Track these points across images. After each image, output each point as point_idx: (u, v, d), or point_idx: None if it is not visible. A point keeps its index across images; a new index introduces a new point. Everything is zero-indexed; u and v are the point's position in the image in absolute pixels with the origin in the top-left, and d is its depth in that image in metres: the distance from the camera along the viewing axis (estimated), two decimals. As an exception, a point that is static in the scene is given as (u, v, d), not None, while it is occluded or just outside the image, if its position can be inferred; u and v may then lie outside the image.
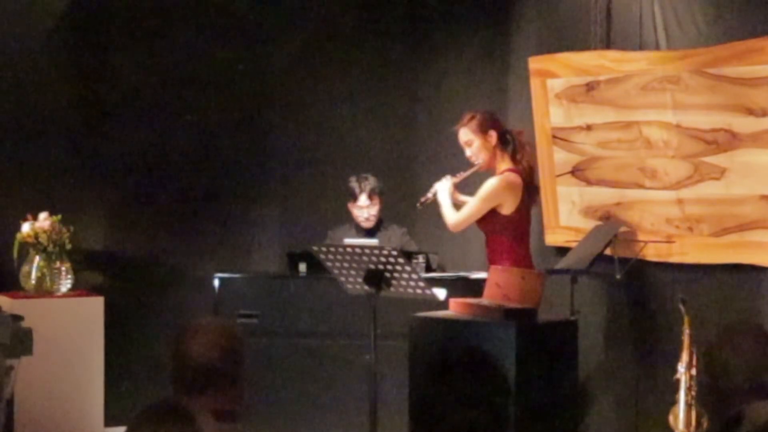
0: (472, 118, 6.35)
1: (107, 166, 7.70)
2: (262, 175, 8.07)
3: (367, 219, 7.35)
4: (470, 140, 6.33)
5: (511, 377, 5.25)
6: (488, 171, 6.38)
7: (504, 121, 6.64)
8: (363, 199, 7.32)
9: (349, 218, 7.43)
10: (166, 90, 7.78)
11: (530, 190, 6.36)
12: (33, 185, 7.43)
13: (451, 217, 6.35)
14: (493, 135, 6.30)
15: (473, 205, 6.31)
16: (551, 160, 7.13)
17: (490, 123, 6.34)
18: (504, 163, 6.32)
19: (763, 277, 6.18)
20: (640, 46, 6.73)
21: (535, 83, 7.16)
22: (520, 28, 7.62)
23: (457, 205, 6.42)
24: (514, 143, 6.36)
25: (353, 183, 7.35)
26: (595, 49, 6.94)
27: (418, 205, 6.55)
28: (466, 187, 6.53)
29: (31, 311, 6.41)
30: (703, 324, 5.88)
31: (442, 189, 6.40)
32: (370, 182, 7.34)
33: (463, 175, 6.44)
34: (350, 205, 7.39)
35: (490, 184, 6.26)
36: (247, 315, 6.76)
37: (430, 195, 6.45)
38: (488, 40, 7.86)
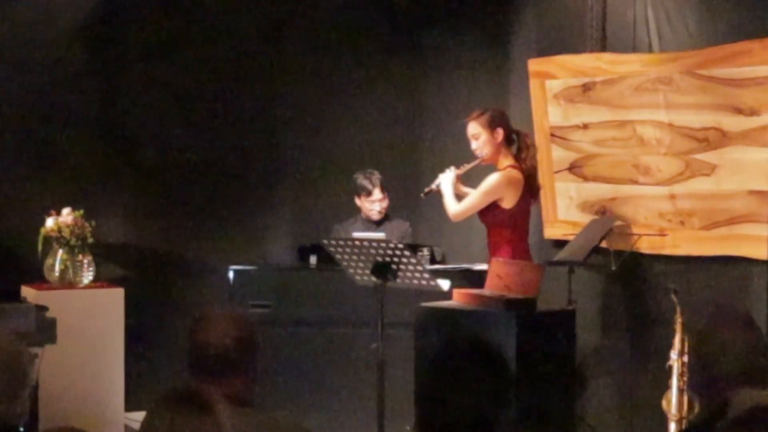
0: (483, 113, 6.41)
1: (127, 163, 7.76)
2: (274, 171, 8.11)
3: (380, 212, 7.39)
4: (477, 134, 6.38)
5: (512, 364, 5.31)
6: (490, 165, 6.45)
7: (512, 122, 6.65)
8: (377, 193, 7.36)
9: (354, 212, 7.46)
10: (184, 88, 7.85)
11: (532, 188, 6.39)
12: (56, 182, 7.45)
13: (452, 207, 6.40)
14: (500, 132, 6.36)
15: (474, 197, 6.37)
16: (549, 157, 7.19)
17: (498, 121, 6.39)
18: (507, 160, 6.37)
19: (751, 268, 6.28)
20: (634, 49, 6.79)
21: (534, 84, 7.23)
22: (519, 32, 7.65)
23: (460, 196, 6.46)
24: (519, 143, 6.42)
25: (363, 179, 7.38)
26: (591, 51, 7.00)
27: (422, 194, 6.60)
28: (470, 179, 6.60)
29: (55, 302, 6.46)
30: (694, 313, 5.77)
31: (446, 180, 6.45)
32: (378, 176, 7.39)
33: (466, 167, 6.49)
34: (362, 200, 7.41)
35: (492, 178, 6.33)
36: (259, 305, 6.78)
37: (434, 186, 6.50)
38: (489, 42, 7.90)
